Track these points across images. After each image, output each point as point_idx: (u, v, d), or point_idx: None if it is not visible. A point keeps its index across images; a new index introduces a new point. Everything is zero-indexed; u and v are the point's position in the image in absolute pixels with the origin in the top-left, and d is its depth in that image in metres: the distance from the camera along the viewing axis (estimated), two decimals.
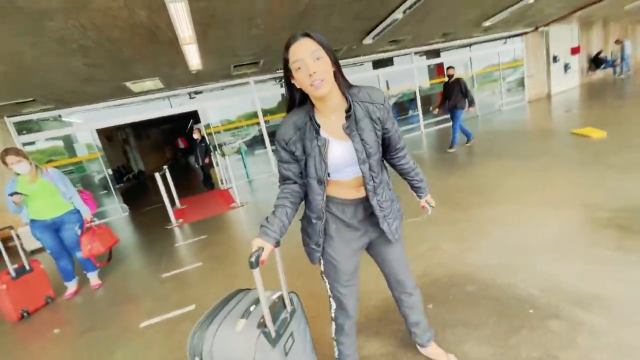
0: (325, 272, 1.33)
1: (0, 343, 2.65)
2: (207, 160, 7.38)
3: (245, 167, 8.15)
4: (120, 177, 10.12)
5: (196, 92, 7.70)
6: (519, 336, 1.56)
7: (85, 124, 6.96)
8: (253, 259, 1.01)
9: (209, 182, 7.90)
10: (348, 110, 1.07)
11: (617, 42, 12.92)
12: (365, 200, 1.20)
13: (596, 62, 13.05)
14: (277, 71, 7.84)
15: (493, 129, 7.77)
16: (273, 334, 1.10)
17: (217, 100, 7.86)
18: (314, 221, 1.22)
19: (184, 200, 6.93)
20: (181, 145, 15.88)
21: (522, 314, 1.69)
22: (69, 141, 7.02)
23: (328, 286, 1.36)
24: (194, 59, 5.03)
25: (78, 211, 3.20)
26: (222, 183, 7.59)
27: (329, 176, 1.16)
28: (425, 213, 1.48)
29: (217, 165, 7.49)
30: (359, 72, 9.22)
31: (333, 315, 1.40)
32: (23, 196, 2.84)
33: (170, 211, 5.31)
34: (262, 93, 8.10)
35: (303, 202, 1.27)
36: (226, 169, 6.02)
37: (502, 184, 3.74)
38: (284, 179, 1.23)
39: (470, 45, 10.29)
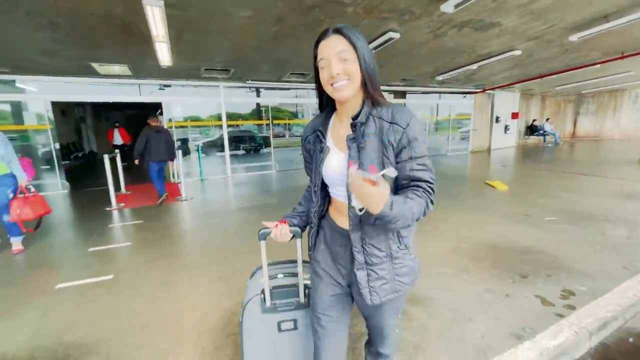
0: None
1: None
2: None
3: (200, 165, 8.34)
4: (68, 154, 9.76)
5: (165, 85, 7.90)
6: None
7: (39, 94, 6.84)
8: (259, 233, 1.19)
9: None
10: (355, 119, 0.96)
11: (547, 119, 15.15)
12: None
13: (531, 129, 15.06)
14: (248, 82, 8.30)
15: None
16: (267, 304, 1.31)
17: (184, 96, 8.09)
18: (310, 224, 1.18)
19: (131, 187, 6.96)
20: (118, 140, 10.66)
21: None
22: (17, 108, 6.82)
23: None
24: (164, 56, 5.35)
25: (14, 176, 3.32)
26: (173, 177, 7.71)
27: (326, 188, 1.10)
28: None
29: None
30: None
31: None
32: None
33: (113, 194, 5.39)
34: (230, 99, 8.48)
35: None
36: (179, 164, 6.23)
37: None
38: (310, 179, 1.17)
39: (427, 92, 11.53)
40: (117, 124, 10.89)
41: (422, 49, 6.37)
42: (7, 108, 6.73)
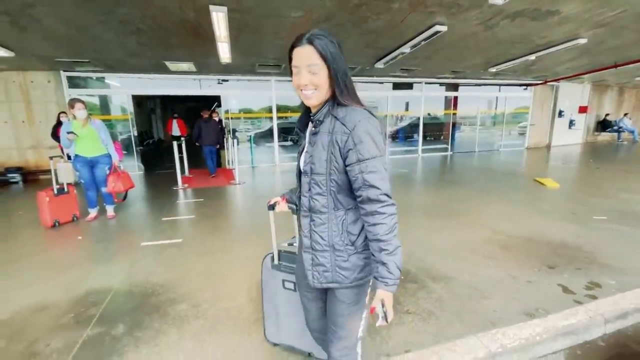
0: None
1: (40, 240, 3.57)
2: None
3: (251, 154, 9.06)
4: (141, 141, 11.18)
5: (223, 80, 8.69)
6: None
7: (123, 88, 7.99)
8: (268, 204, 1.39)
9: (217, 161, 8.84)
10: (313, 115, 1.05)
11: (626, 114, 13.49)
12: None
13: (603, 124, 13.54)
14: None
15: (477, 165, 8.48)
16: (275, 261, 1.61)
17: (239, 90, 8.82)
18: (296, 207, 1.26)
19: (192, 171, 7.88)
20: (176, 131, 10.32)
21: None
22: (105, 100, 8.06)
23: None
24: (225, 53, 5.98)
25: (110, 156, 4.12)
26: (228, 164, 8.52)
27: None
28: (376, 319, 0.98)
29: (227, 148, 8.44)
30: (372, 90, 10.08)
31: None
32: (75, 136, 3.78)
33: (179, 176, 6.23)
34: (280, 92, 9.03)
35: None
36: (234, 152, 6.94)
37: (450, 206, 4.49)
38: None
39: (479, 85, 10.98)
40: (175, 115, 10.59)
41: (472, 41, 6.23)
42: (96, 100, 7.99)
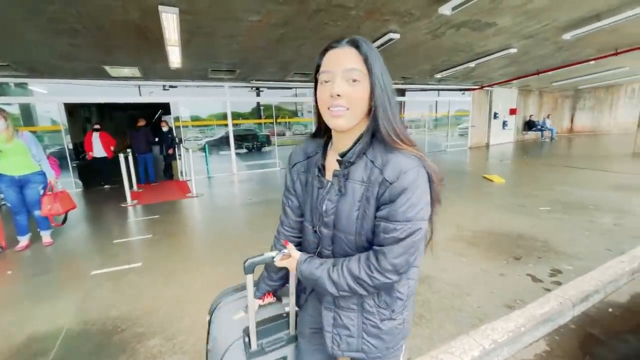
0: None
1: None
2: (170, 151, 7.74)
3: (207, 163, 8.58)
4: (76, 154, 9.97)
5: (171, 86, 8.12)
6: None
7: (51, 95, 7.05)
8: (246, 264, 0.91)
9: (168, 172, 8.21)
10: (342, 156, 0.81)
11: (548, 116, 15.48)
12: None
13: (529, 124, 15.31)
14: (252, 82, 8.52)
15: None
16: (253, 347, 1.00)
17: (190, 97, 8.31)
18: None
19: (142, 185, 7.20)
20: (98, 150, 7.34)
21: None
22: (28, 110, 7.04)
23: None
24: (175, 58, 5.58)
25: (44, 173, 3.56)
26: (181, 175, 7.95)
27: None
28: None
29: (180, 158, 7.88)
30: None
31: None
32: None
33: (128, 191, 5.64)
34: (235, 98, 8.70)
35: None
36: (188, 162, 6.48)
37: None
38: (284, 214, 1.05)
39: (425, 90, 11.76)
40: (97, 127, 7.45)
41: (421, 49, 6.60)
42: (20, 110, 6.94)
